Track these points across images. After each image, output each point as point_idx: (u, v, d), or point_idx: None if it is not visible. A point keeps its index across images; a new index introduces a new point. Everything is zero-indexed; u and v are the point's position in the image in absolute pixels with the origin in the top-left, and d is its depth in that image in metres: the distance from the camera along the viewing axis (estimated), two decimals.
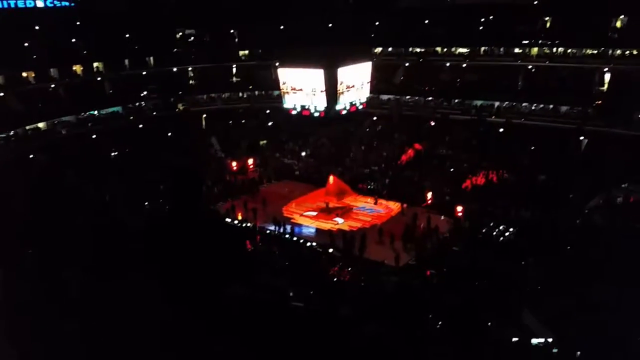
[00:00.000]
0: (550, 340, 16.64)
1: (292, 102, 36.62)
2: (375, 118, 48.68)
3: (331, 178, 38.75)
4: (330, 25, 50.04)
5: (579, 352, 15.79)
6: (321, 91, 34.68)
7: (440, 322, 18.23)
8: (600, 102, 39.79)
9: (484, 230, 30.78)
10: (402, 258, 28.49)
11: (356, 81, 36.71)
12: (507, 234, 30.06)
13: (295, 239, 31.85)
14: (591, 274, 20.75)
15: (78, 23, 47.50)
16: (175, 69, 52.07)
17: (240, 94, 53.90)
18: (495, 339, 17.37)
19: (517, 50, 44.89)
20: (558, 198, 32.42)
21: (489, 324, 18.27)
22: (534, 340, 16.80)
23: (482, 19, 46.54)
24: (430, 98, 48.15)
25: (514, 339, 17.19)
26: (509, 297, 20.77)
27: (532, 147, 38.92)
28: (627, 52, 40.37)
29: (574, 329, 17.08)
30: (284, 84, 36.64)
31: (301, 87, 35.66)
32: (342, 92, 35.22)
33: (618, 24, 41.03)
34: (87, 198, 32.41)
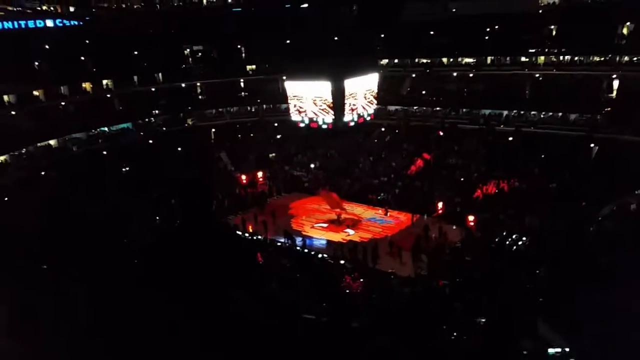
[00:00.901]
0: (567, 350, 16.38)
1: (299, 115, 36.70)
2: (383, 129, 48.71)
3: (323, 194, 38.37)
4: (336, 38, 50.30)
5: None
6: (326, 104, 34.73)
7: (453, 334, 18.02)
8: (609, 109, 39.58)
9: (496, 240, 30.53)
10: (414, 269, 28.30)
11: (364, 92, 36.74)
12: (519, 243, 29.79)
13: (306, 250, 31.79)
14: (605, 281, 20.46)
15: (87, 41, 48.15)
16: (183, 85, 52.52)
17: (249, 108, 54.26)
18: (509, 349, 17.12)
19: (523, 59, 44.90)
20: (570, 206, 32.14)
21: (503, 333, 18.03)
22: (551, 350, 16.54)
23: (488, 29, 46.62)
24: (438, 108, 48.17)
25: (530, 350, 16.95)
26: (523, 307, 20.52)
27: (543, 156, 38.68)
28: (635, 58, 40.23)
29: (589, 338, 16.82)
30: (294, 97, 36.66)
31: (308, 100, 35.71)
32: (351, 105, 35.22)
33: (625, 31, 40.94)
34: (98, 214, 32.56)
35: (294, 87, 36.61)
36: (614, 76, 40.42)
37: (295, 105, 36.11)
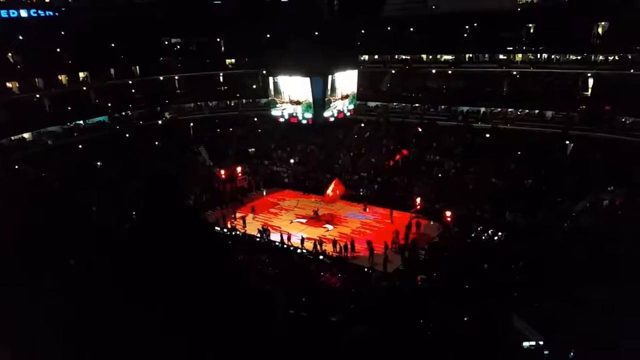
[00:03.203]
0: (541, 342, 16.67)
1: (280, 109, 36.65)
2: (362, 124, 48.86)
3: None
4: (317, 33, 50.21)
5: (572, 353, 15.84)
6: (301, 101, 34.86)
7: (430, 327, 18.20)
8: (584, 107, 40.28)
9: (472, 235, 30.89)
10: (392, 264, 28.51)
11: (343, 88, 36.80)
12: (495, 238, 30.20)
13: (285, 246, 31.77)
14: (579, 276, 20.88)
15: (62, 33, 47.19)
16: (161, 78, 51.87)
17: (228, 102, 53.88)
18: (486, 342, 17.36)
19: (501, 56, 45.39)
20: (545, 202, 32.69)
21: (480, 327, 18.26)
22: (525, 343, 16.82)
23: (467, 26, 47.01)
24: (417, 104, 48.51)
25: (505, 343, 17.19)
26: (499, 301, 20.82)
27: (519, 152, 39.22)
28: (610, 57, 41.02)
29: (563, 331, 17.15)
30: (277, 94, 36.60)
31: (291, 96, 35.70)
32: (332, 100, 35.32)
33: (600, 30, 41.65)
34: (74, 207, 32.05)
35: (274, 82, 36.54)
36: (589, 75, 41.15)
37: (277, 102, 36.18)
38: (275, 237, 32.96)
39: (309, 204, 38.65)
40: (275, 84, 36.59)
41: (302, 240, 31.68)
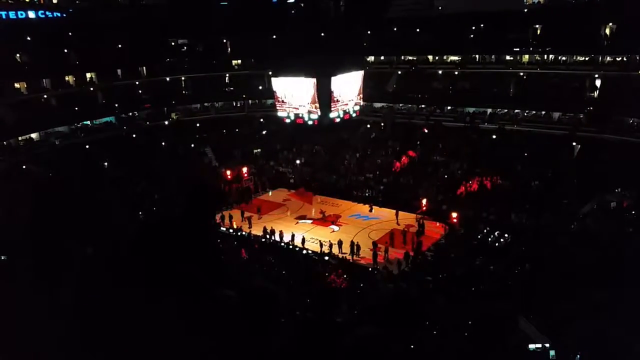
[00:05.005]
0: (547, 345, 16.62)
1: (286, 111, 36.72)
2: (368, 125, 48.82)
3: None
4: (322, 34, 50.22)
5: (578, 356, 15.78)
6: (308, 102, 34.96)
7: (436, 328, 18.15)
8: (591, 108, 40.06)
9: (479, 237, 30.78)
10: (397, 265, 28.46)
11: (349, 89, 36.81)
12: (502, 239, 30.07)
13: (290, 246, 31.78)
14: (586, 278, 20.77)
15: (70, 34, 47.45)
16: (168, 79, 52.02)
17: (234, 103, 53.99)
18: (492, 344, 17.32)
19: (508, 57, 45.24)
20: (552, 204, 32.52)
21: (486, 329, 18.21)
22: (531, 346, 16.77)
23: (473, 27, 46.88)
24: (423, 105, 48.42)
25: (511, 345, 17.15)
26: (505, 303, 20.75)
27: (525, 153, 39.04)
28: (617, 58, 40.79)
29: (569, 334, 17.08)
30: (282, 97, 36.69)
31: (295, 97, 35.74)
32: (338, 101, 35.36)
33: (607, 31, 41.44)
34: (81, 207, 32.19)
35: (280, 83, 36.59)
36: (597, 76, 40.93)
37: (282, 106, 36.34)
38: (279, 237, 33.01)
39: (314, 205, 38.62)
40: (281, 85, 36.63)
41: (293, 237, 32.14)
